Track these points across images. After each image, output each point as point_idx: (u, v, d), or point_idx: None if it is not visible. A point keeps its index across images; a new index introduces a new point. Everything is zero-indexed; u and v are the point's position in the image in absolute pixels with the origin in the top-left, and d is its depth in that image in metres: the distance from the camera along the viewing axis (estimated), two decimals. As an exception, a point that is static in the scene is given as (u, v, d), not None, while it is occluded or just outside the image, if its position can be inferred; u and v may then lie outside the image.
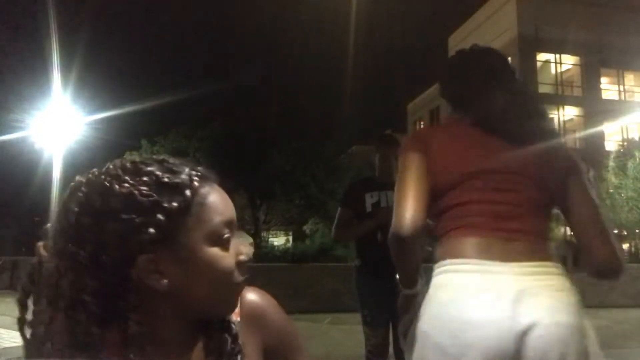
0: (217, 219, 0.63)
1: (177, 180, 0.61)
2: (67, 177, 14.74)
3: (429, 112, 34.91)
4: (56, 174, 14.18)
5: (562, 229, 15.66)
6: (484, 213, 1.18)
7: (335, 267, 8.71)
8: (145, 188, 0.59)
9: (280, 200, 15.50)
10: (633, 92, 27.38)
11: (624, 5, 25.55)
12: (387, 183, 2.83)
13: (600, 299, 9.42)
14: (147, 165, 0.63)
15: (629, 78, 27.29)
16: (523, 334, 1.06)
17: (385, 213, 2.69)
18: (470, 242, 1.17)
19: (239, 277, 0.65)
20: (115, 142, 16.69)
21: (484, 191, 1.20)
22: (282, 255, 9.85)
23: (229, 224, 0.65)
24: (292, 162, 14.25)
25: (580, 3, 25.46)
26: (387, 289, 2.72)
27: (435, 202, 1.24)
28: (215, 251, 0.62)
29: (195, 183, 0.63)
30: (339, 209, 2.96)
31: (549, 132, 1.34)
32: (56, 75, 13.43)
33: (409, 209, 1.21)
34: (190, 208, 0.61)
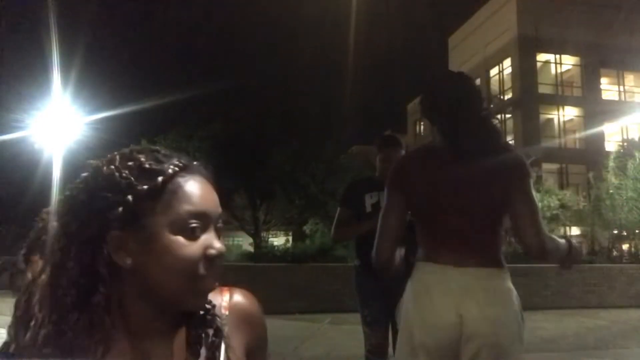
0: (186, 207, 0.65)
1: (156, 167, 0.66)
2: (67, 177, 14.75)
3: (429, 112, 34.88)
4: (56, 174, 14.17)
5: (562, 229, 15.67)
6: (448, 236, 1.58)
7: (335, 267, 8.71)
8: (126, 171, 0.64)
9: (280, 200, 15.49)
10: (633, 92, 27.38)
11: (624, 5, 25.55)
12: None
13: (600, 299, 9.43)
14: (139, 152, 0.68)
15: (629, 78, 27.30)
16: (460, 325, 1.48)
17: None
18: (436, 252, 1.60)
19: (203, 270, 0.65)
20: (115, 142, 16.67)
21: (448, 219, 1.56)
22: (282, 255, 9.82)
23: (199, 215, 0.66)
24: (292, 162, 14.24)
25: (580, 3, 25.46)
26: (387, 289, 2.73)
27: (417, 221, 1.67)
28: (177, 239, 0.64)
29: (170, 171, 0.66)
30: (339, 208, 2.95)
31: (501, 148, 1.65)
32: (56, 75, 13.42)
33: (386, 243, 1.69)
34: (161, 194, 0.64)
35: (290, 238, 20.29)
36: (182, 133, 15.61)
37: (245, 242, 20.32)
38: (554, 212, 11.73)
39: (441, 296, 1.52)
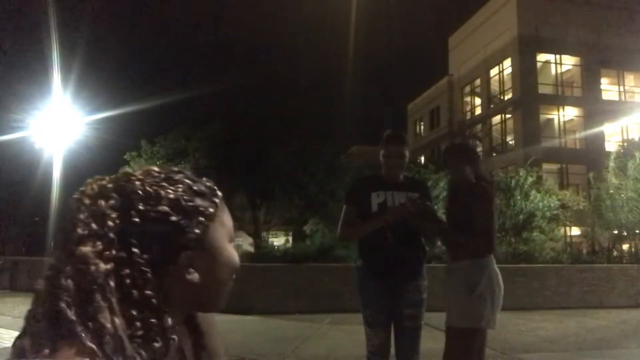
0: (230, 220, 0.76)
1: (203, 188, 0.73)
2: (67, 177, 14.74)
3: (429, 112, 34.93)
4: (56, 174, 14.18)
5: (562, 229, 15.68)
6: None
7: (335, 267, 8.71)
8: (185, 194, 0.69)
9: (280, 200, 15.48)
10: (633, 92, 27.38)
11: (624, 5, 25.55)
12: (393, 182, 2.80)
13: (600, 299, 9.42)
14: (174, 173, 0.73)
15: (629, 78, 27.29)
16: None
17: (394, 213, 2.67)
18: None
19: None
20: (115, 142, 16.69)
21: None
22: (282, 255, 9.82)
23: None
24: (292, 162, 14.23)
25: (581, 3, 25.47)
26: (389, 290, 2.72)
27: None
28: (231, 246, 0.75)
29: (218, 192, 0.75)
30: (344, 207, 2.86)
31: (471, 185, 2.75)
32: (56, 75, 13.44)
33: None
34: (218, 212, 0.73)
35: (290, 238, 20.28)
36: (182, 133, 15.60)
37: (245, 242, 20.32)
38: (554, 212, 11.72)
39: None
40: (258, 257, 10.18)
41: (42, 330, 0.58)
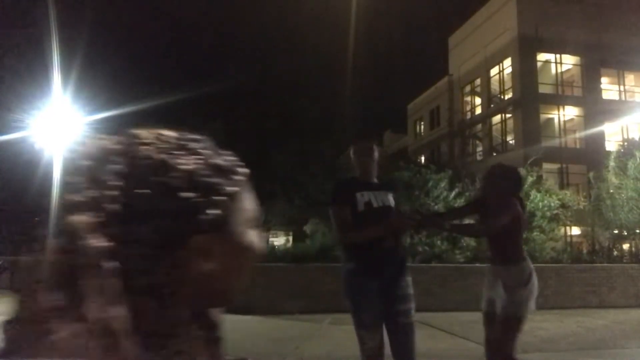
0: (254, 205, 0.65)
1: (224, 162, 0.62)
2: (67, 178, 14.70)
3: (429, 112, 34.91)
4: (56, 174, 14.17)
5: (562, 229, 15.66)
6: None
7: (335, 267, 8.69)
8: (201, 168, 0.58)
9: (280, 200, 15.49)
10: (633, 92, 27.38)
11: (624, 5, 25.55)
12: (371, 183, 2.89)
13: (600, 299, 9.42)
14: (190, 142, 0.62)
15: (629, 78, 27.29)
16: None
17: (399, 223, 2.78)
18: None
19: None
20: (115, 142, 16.65)
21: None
22: (283, 255, 9.82)
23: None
24: (292, 162, 14.24)
25: (580, 3, 25.46)
26: (381, 289, 2.72)
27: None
28: (254, 234, 0.63)
29: (240, 169, 0.63)
30: (336, 209, 2.83)
31: None
32: (56, 75, 13.43)
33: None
34: (239, 192, 0.62)
35: (290, 238, 20.28)
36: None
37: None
38: (554, 212, 11.72)
39: None
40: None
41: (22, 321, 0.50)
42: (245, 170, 0.64)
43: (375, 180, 2.93)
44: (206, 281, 0.58)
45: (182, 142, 0.60)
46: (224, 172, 0.61)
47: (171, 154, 0.57)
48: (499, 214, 2.99)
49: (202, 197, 0.56)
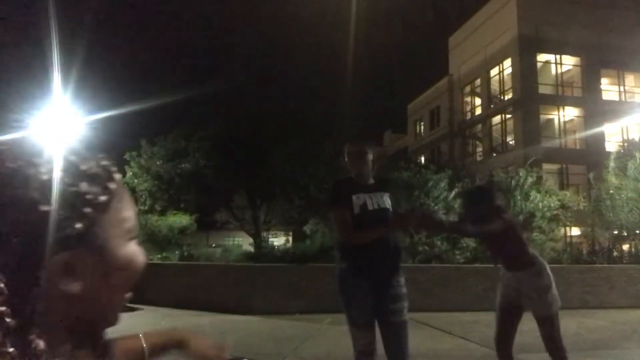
0: (131, 213, 0.58)
1: (93, 169, 0.55)
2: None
3: (429, 112, 34.91)
4: (56, 175, 14.12)
5: (562, 230, 15.66)
6: None
7: (335, 267, 8.69)
8: (65, 176, 0.52)
9: (280, 200, 15.48)
10: (633, 92, 27.37)
11: (624, 5, 25.55)
12: (366, 185, 2.94)
13: (600, 300, 9.41)
14: (68, 155, 0.56)
15: (629, 79, 27.29)
16: None
17: (399, 222, 2.86)
18: None
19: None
20: (115, 142, 16.68)
21: None
22: (282, 255, 9.81)
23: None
24: (291, 162, 14.23)
25: (581, 3, 25.46)
26: (374, 288, 2.78)
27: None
28: (133, 247, 0.57)
29: (114, 175, 0.57)
30: (336, 210, 2.87)
31: None
32: (56, 75, 13.42)
33: None
34: (113, 201, 0.55)
35: (290, 238, 20.28)
36: (182, 133, 15.61)
37: (245, 242, 20.30)
38: (554, 212, 11.72)
39: None
40: (258, 257, 10.18)
41: None
42: (118, 176, 0.57)
43: (372, 181, 2.95)
44: (78, 302, 0.52)
45: (40, 148, 0.55)
46: (93, 179, 0.54)
47: (27, 160, 0.52)
48: (489, 224, 3.16)
49: (66, 209, 0.50)
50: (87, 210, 0.52)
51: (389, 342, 2.74)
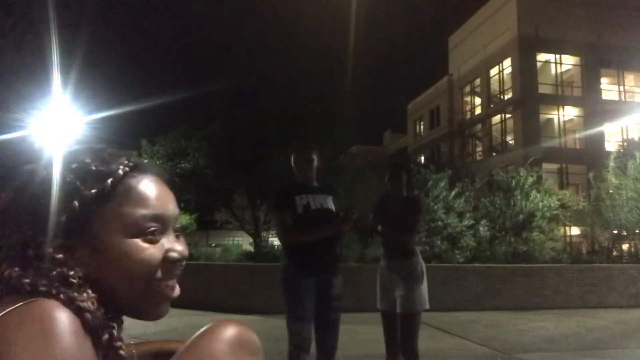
0: (141, 211, 0.60)
1: (103, 168, 0.60)
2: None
3: (429, 112, 34.92)
4: (56, 175, 14.14)
5: (562, 229, 15.67)
6: None
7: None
8: (70, 175, 0.58)
9: (280, 200, 15.45)
10: (633, 92, 27.38)
11: (624, 5, 25.55)
12: (310, 186, 3.07)
13: (600, 299, 9.42)
14: (83, 153, 0.62)
15: (629, 78, 27.29)
16: None
17: (348, 224, 2.94)
18: None
19: (161, 274, 0.61)
20: (115, 142, 16.63)
21: None
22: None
23: (156, 218, 0.61)
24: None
25: (580, 3, 25.46)
26: (318, 285, 2.89)
27: None
28: (134, 242, 0.59)
29: (121, 172, 0.60)
30: (278, 213, 3.02)
31: None
32: (56, 75, 13.42)
33: None
34: (111, 197, 0.59)
35: (290, 238, 20.27)
36: (182, 133, 15.60)
37: (245, 242, 20.31)
38: (554, 212, 11.72)
39: None
40: (258, 256, 10.18)
41: None
42: (120, 172, 0.60)
43: (316, 184, 3.09)
44: (97, 286, 0.57)
45: (74, 154, 0.60)
46: (92, 175, 0.59)
47: (48, 165, 0.58)
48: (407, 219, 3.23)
49: (59, 203, 0.56)
50: (74, 204, 0.56)
51: (325, 338, 2.89)
